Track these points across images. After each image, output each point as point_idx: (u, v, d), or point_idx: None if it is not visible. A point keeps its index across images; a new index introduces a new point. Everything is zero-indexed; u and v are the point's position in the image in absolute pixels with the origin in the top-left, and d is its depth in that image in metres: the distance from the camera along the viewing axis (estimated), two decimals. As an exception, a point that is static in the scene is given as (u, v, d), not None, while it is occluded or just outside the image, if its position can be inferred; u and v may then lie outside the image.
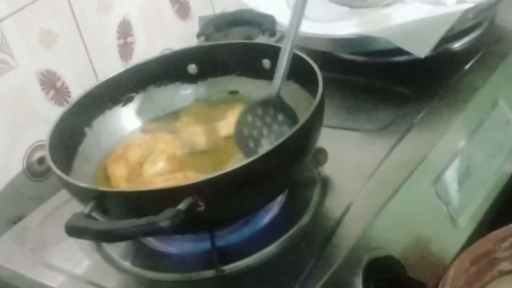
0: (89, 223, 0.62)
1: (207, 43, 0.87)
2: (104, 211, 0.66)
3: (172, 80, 0.87)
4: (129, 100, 0.85)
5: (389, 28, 0.91)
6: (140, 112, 0.86)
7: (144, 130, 0.85)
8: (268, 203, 0.74)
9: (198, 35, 0.87)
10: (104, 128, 0.83)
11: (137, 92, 0.86)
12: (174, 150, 0.79)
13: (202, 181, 0.63)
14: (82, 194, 0.68)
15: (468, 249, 0.71)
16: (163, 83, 0.87)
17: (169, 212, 0.59)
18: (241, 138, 0.74)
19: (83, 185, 0.68)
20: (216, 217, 0.68)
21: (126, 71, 0.85)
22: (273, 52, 0.80)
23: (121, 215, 0.64)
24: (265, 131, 0.75)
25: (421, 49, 0.87)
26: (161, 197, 0.64)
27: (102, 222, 0.65)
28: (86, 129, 0.81)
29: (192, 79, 0.87)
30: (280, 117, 0.75)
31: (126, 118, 0.85)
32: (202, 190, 0.63)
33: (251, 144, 0.74)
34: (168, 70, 0.86)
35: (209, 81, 0.87)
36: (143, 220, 0.60)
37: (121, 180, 0.77)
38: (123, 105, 0.85)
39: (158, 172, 0.76)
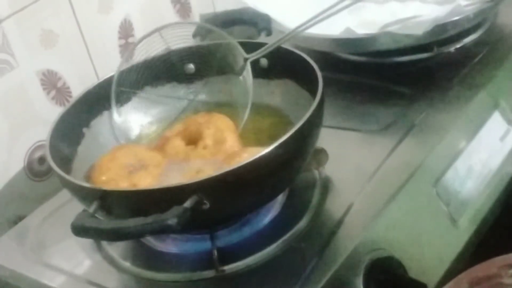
0: (96, 222, 0.62)
1: (204, 43, 0.87)
2: (108, 210, 0.66)
3: (168, 80, 0.87)
4: (126, 100, 0.85)
5: (389, 23, 0.91)
6: (137, 112, 0.86)
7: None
8: (270, 201, 0.74)
9: (194, 35, 0.87)
10: (102, 128, 0.83)
11: (134, 92, 0.86)
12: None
13: (206, 180, 0.63)
14: (85, 194, 0.68)
15: (467, 270, 0.69)
16: (160, 83, 0.87)
17: (176, 210, 0.60)
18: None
19: (87, 185, 0.68)
20: (220, 215, 0.68)
21: (123, 72, 0.85)
22: (270, 51, 0.80)
23: (124, 215, 0.64)
24: None
25: (419, 27, 0.86)
26: (166, 196, 0.64)
27: (109, 221, 0.65)
28: (84, 130, 0.81)
29: (188, 79, 0.87)
30: None
31: (124, 118, 0.85)
32: (206, 188, 0.63)
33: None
34: (165, 70, 0.86)
35: (205, 80, 0.87)
36: (151, 218, 0.60)
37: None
38: (120, 106, 0.85)
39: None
